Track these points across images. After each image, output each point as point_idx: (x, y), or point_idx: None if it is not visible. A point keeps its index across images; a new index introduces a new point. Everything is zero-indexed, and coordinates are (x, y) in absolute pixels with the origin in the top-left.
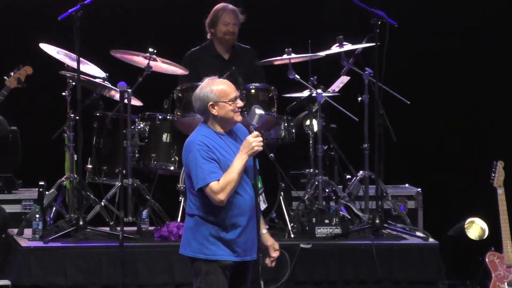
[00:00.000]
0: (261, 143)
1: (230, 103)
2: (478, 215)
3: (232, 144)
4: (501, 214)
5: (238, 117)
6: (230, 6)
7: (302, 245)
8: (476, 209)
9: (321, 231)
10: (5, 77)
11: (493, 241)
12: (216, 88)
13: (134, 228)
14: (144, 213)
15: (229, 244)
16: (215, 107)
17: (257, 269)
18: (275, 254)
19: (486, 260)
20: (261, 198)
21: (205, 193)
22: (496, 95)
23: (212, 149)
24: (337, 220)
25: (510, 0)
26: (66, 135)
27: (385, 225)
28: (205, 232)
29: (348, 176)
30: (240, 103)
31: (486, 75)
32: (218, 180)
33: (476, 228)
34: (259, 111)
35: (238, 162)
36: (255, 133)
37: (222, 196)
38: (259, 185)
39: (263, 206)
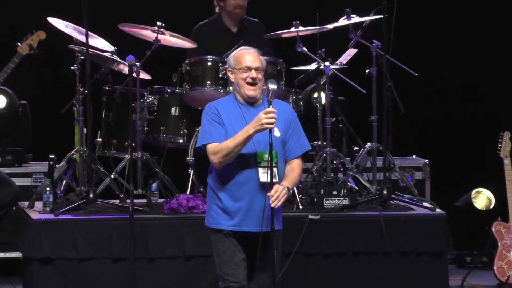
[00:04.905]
0: (273, 120)
1: (241, 71)
2: (485, 185)
3: (249, 117)
4: (508, 184)
5: (249, 91)
6: None
7: (310, 217)
8: (483, 179)
9: (329, 202)
10: (18, 43)
11: (500, 211)
12: (235, 54)
13: (144, 201)
14: (154, 185)
15: (228, 213)
16: (232, 74)
17: (273, 241)
18: (271, 192)
19: (493, 229)
20: (275, 171)
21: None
22: (505, 66)
23: (222, 114)
24: (345, 191)
25: None
26: (75, 109)
27: (393, 196)
28: (211, 202)
29: (356, 148)
30: (253, 74)
31: (496, 45)
32: (218, 143)
33: (482, 198)
34: (272, 85)
35: (241, 134)
36: (269, 109)
37: (214, 159)
38: (273, 160)
39: (274, 179)
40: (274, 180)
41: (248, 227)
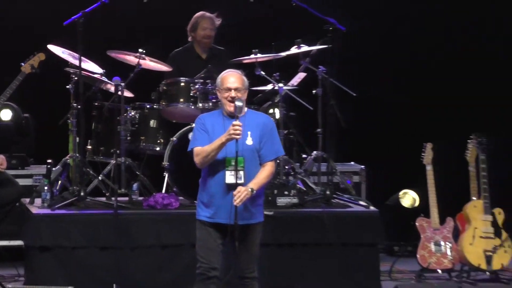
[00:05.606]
0: (238, 132)
1: (223, 90)
2: (411, 187)
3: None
4: (429, 187)
5: (229, 107)
6: (208, 13)
7: (266, 212)
8: (409, 182)
9: (281, 200)
10: (21, 63)
11: (423, 208)
12: (221, 76)
13: (126, 199)
14: (135, 186)
15: (206, 207)
16: (219, 92)
17: (235, 232)
18: (235, 192)
19: (417, 224)
20: (240, 174)
21: None
22: (427, 90)
23: (207, 124)
24: (294, 191)
25: None
26: (70, 121)
27: (334, 196)
28: (198, 197)
29: (304, 156)
30: (231, 94)
31: (417, 73)
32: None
33: (409, 198)
34: (238, 103)
35: (216, 141)
36: (236, 122)
37: (196, 160)
38: (239, 164)
39: (239, 181)
40: (239, 182)
41: (221, 219)
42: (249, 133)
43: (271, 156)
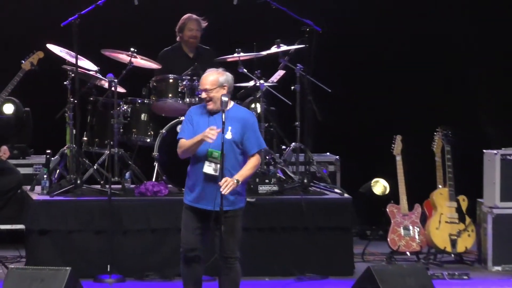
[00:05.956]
0: (211, 135)
1: (202, 92)
2: (382, 176)
3: (212, 121)
4: (399, 176)
5: (208, 105)
6: (194, 16)
7: (248, 199)
8: (380, 171)
9: (262, 188)
10: (22, 61)
11: (393, 196)
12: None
13: (119, 186)
14: (127, 174)
15: (191, 192)
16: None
17: (220, 217)
18: (221, 181)
19: (387, 210)
20: (217, 167)
21: None
22: (397, 86)
23: (193, 117)
24: (275, 180)
25: None
26: (67, 115)
27: (311, 184)
28: (186, 181)
29: (283, 147)
30: (203, 95)
31: (389, 68)
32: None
33: (380, 186)
34: (224, 98)
35: (195, 138)
36: (213, 127)
37: (178, 151)
38: (218, 158)
39: (215, 173)
40: (214, 174)
41: (202, 205)
42: (229, 127)
43: (254, 149)
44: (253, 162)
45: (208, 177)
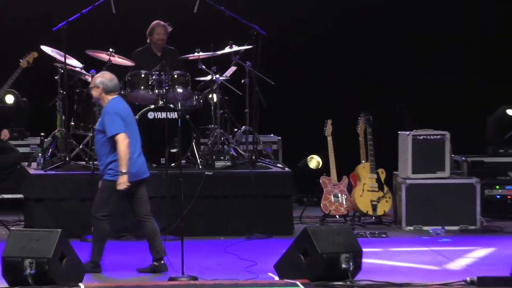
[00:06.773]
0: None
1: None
2: (316, 153)
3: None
4: (330, 153)
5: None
6: (162, 22)
7: (206, 173)
8: (315, 149)
9: (218, 163)
10: (20, 59)
11: (325, 169)
12: None
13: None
14: None
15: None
16: None
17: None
18: None
19: (320, 181)
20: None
21: None
22: (328, 77)
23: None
24: (228, 157)
25: None
26: (57, 104)
27: (258, 160)
28: None
29: (235, 129)
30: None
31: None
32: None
33: (314, 161)
34: (179, 89)
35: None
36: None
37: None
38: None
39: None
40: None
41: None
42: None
43: (107, 135)
44: (117, 148)
45: None
